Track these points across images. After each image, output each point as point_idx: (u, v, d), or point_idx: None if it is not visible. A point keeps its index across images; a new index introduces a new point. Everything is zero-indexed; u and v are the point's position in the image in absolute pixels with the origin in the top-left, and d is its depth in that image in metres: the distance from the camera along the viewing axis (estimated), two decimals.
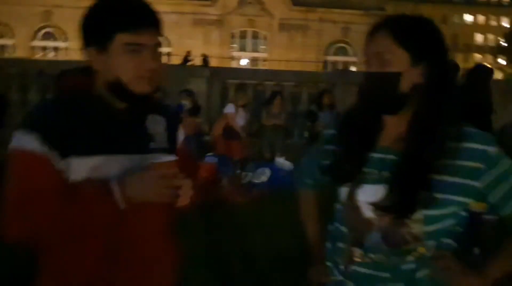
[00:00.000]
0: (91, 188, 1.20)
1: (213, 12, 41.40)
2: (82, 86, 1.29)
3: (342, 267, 1.37)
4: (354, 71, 18.35)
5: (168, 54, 40.53)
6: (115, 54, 1.22)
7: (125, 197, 1.19)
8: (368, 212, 1.29)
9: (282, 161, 7.68)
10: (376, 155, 1.30)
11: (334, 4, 41.36)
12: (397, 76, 1.21)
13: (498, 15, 63.19)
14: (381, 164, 1.28)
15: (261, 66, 39.16)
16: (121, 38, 1.21)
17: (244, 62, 42.84)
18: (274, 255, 3.99)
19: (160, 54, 1.29)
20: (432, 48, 1.23)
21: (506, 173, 1.23)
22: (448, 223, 1.27)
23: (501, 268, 1.27)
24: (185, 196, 1.25)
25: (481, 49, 59.68)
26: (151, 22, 1.25)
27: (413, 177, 1.21)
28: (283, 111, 8.26)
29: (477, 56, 59.80)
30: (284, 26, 41.19)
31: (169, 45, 42.09)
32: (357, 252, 1.33)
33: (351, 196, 1.31)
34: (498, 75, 47.87)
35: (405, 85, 1.21)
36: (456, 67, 4.29)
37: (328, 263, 1.44)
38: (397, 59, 1.21)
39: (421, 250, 1.27)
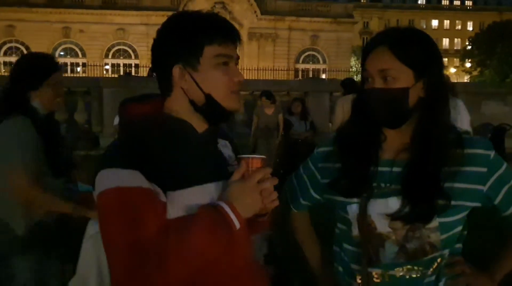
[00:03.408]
0: (204, 216, 1.09)
1: None
2: (155, 112, 1.23)
3: None
4: (325, 79, 18.55)
5: (136, 66, 40.11)
6: (206, 68, 1.18)
7: (237, 215, 1.10)
8: (381, 227, 1.28)
9: None
10: (381, 168, 1.30)
11: (302, 13, 41.78)
12: (405, 92, 1.23)
13: (463, 20, 65.16)
14: (388, 177, 1.28)
15: None
16: (210, 51, 1.18)
17: None
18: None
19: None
20: (431, 62, 1.26)
21: (505, 175, 1.28)
22: (459, 228, 1.30)
23: (507, 265, 1.35)
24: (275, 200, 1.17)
25: (447, 53, 61.30)
26: (234, 34, 1.23)
27: (428, 185, 1.23)
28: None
29: (444, 60, 61.35)
30: (253, 35, 41.34)
31: (137, 57, 41.69)
32: (375, 272, 1.29)
33: (363, 211, 1.29)
34: (464, 78, 49.23)
35: (411, 100, 1.24)
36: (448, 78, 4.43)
37: None
38: (403, 76, 1.23)
39: (439, 260, 1.28)
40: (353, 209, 1.31)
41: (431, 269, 1.28)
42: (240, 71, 1.25)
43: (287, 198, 1.54)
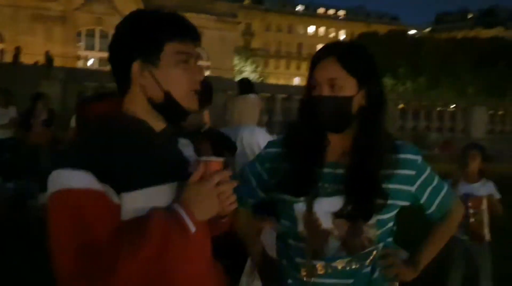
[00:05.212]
0: (157, 220, 1.07)
1: (56, 7, 38.32)
2: (113, 111, 1.21)
3: (305, 281, 1.43)
4: (213, 77, 18.66)
5: (1, 51, 36.42)
6: (166, 65, 1.17)
7: (192, 218, 1.10)
8: (326, 224, 1.39)
9: None
10: (326, 170, 1.41)
11: (187, 8, 41.42)
12: (349, 100, 1.37)
13: (336, 28, 69.99)
14: (332, 178, 1.40)
15: None
16: (171, 47, 1.17)
17: (90, 62, 40.49)
18: None
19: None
20: (372, 74, 1.40)
21: (429, 177, 1.47)
22: (391, 224, 1.47)
23: (428, 256, 1.55)
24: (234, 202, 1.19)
25: None
26: (194, 32, 1.22)
27: (367, 187, 1.36)
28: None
29: None
30: None
31: (2, 41, 37.91)
32: (319, 265, 1.41)
33: (309, 209, 1.40)
34: None
35: (354, 107, 1.37)
36: None
37: (289, 280, 1.49)
38: (348, 85, 1.36)
39: (374, 252, 1.43)
40: (299, 207, 1.42)
41: (368, 261, 1.43)
42: (200, 69, 1.25)
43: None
